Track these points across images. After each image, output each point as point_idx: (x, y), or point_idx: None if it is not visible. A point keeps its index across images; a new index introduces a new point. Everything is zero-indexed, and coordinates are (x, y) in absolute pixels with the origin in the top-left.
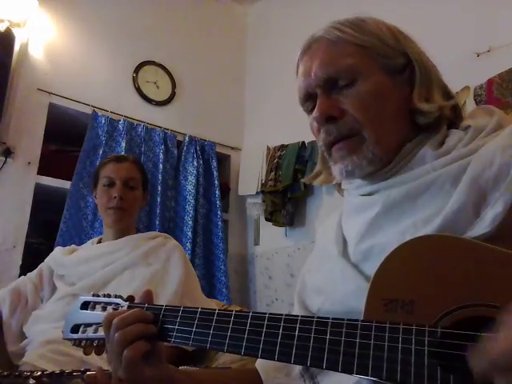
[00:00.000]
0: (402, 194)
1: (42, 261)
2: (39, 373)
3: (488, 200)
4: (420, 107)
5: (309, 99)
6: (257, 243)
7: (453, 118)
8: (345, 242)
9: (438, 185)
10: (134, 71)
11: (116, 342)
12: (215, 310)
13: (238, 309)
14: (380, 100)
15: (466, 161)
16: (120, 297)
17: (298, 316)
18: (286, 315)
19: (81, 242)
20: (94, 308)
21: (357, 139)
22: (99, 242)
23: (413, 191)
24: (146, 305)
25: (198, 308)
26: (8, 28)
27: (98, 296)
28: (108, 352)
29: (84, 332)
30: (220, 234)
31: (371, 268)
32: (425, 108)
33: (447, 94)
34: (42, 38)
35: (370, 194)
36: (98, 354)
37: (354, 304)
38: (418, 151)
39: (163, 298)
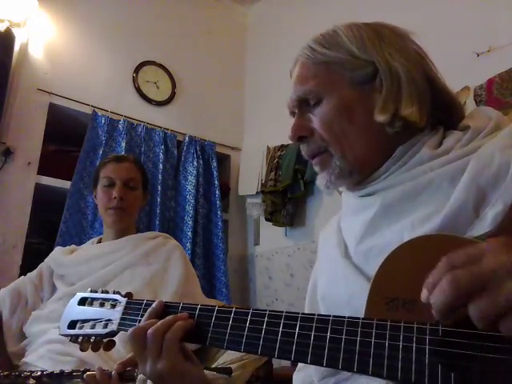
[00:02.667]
0: (400, 193)
1: (42, 261)
2: (39, 373)
3: (488, 200)
4: (376, 119)
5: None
6: (257, 243)
7: (446, 118)
8: (345, 243)
9: (435, 184)
10: (134, 71)
11: (154, 332)
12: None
13: None
14: (344, 115)
15: (465, 161)
16: (118, 293)
17: (298, 313)
18: (286, 312)
19: (81, 242)
20: (91, 304)
21: (326, 155)
22: (99, 241)
23: (410, 191)
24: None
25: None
26: (8, 28)
27: (96, 292)
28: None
29: (81, 328)
30: (220, 234)
31: (373, 268)
32: (380, 119)
33: (425, 97)
34: (41, 38)
35: (368, 195)
36: (95, 350)
37: (359, 305)
38: (414, 152)
39: (163, 298)
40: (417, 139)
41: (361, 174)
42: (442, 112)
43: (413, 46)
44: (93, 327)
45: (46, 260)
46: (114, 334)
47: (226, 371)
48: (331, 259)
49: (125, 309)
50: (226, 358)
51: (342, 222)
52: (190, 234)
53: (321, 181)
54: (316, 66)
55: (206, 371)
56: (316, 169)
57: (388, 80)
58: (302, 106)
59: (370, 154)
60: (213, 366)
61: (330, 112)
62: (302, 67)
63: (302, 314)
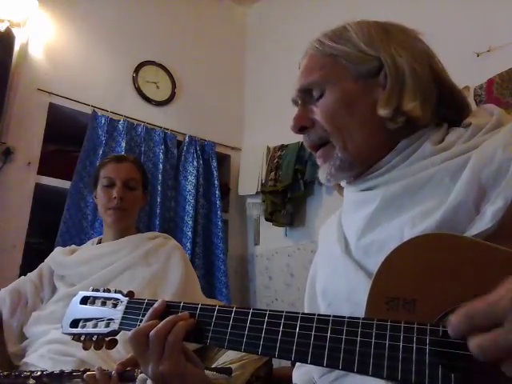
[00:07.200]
0: (401, 188)
1: (42, 261)
2: (39, 373)
3: (488, 196)
4: (379, 113)
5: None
6: (257, 243)
7: (454, 116)
8: (346, 239)
9: (436, 180)
10: (134, 71)
11: (158, 332)
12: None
13: None
14: (346, 107)
15: (466, 157)
16: (120, 292)
17: (298, 313)
18: (286, 312)
19: (81, 242)
20: (93, 303)
21: (329, 146)
22: (99, 242)
23: (412, 186)
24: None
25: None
26: (8, 28)
27: (98, 291)
28: (144, 358)
29: (83, 327)
30: (220, 234)
31: (373, 264)
32: (382, 114)
33: (430, 95)
34: (41, 38)
35: (369, 189)
36: (97, 348)
37: (359, 300)
38: (416, 147)
39: (163, 299)
40: (420, 134)
41: (361, 167)
42: (449, 110)
43: (420, 45)
44: (95, 326)
45: (46, 260)
46: (115, 333)
47: (226, 371)
48: (331, 255)
49: (126, 308)
50: (226, 358)
51: (342, 217)
52: (189, 233)
53: (322, 174)
54: (323, 59)
55: (206, 371)
56: (319, 162)
57: (392, 75)
58: (306, 97)
59: (371, 147)
60: (213, 366)
61: (332, 103)
62: (309, 59)
63: (302, 313)
